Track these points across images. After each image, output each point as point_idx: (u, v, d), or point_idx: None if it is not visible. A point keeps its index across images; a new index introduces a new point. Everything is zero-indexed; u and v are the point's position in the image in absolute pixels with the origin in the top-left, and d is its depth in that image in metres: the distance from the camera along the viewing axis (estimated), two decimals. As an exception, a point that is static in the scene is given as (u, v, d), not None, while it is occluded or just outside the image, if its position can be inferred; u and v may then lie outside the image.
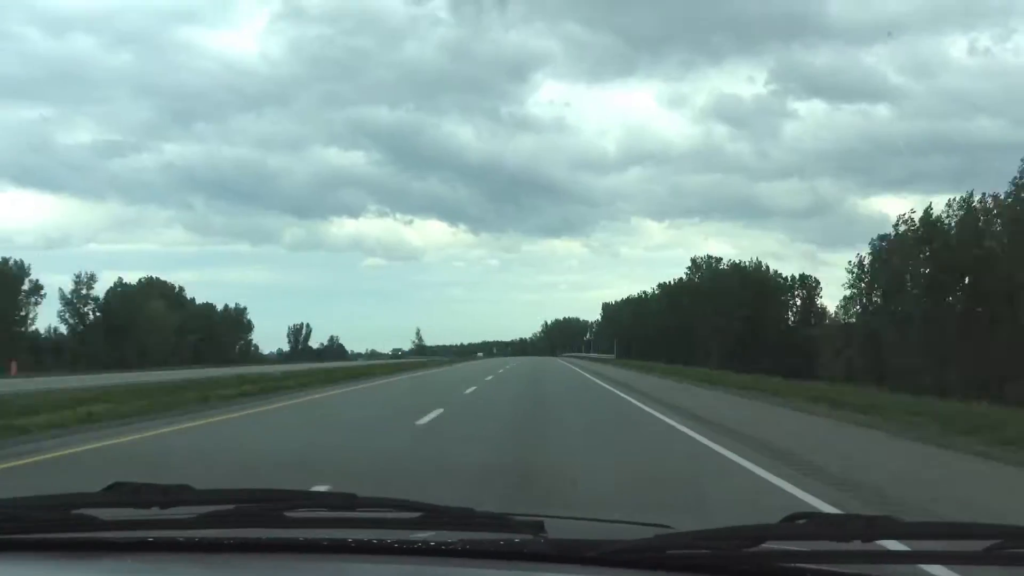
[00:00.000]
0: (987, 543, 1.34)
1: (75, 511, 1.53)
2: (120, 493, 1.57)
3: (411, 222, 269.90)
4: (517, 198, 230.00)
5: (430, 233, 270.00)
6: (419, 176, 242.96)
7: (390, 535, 1.53)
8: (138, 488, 1.56)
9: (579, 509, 6.04)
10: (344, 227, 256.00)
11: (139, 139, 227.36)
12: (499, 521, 1.57)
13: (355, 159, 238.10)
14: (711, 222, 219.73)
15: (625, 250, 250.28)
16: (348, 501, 1.61)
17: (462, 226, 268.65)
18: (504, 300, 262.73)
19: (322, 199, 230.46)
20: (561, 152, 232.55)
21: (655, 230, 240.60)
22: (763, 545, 1.42)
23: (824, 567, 1.39)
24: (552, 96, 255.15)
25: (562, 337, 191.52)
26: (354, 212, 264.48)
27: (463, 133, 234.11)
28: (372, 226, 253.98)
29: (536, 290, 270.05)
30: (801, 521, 1.47)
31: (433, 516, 1.59)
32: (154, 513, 1.55)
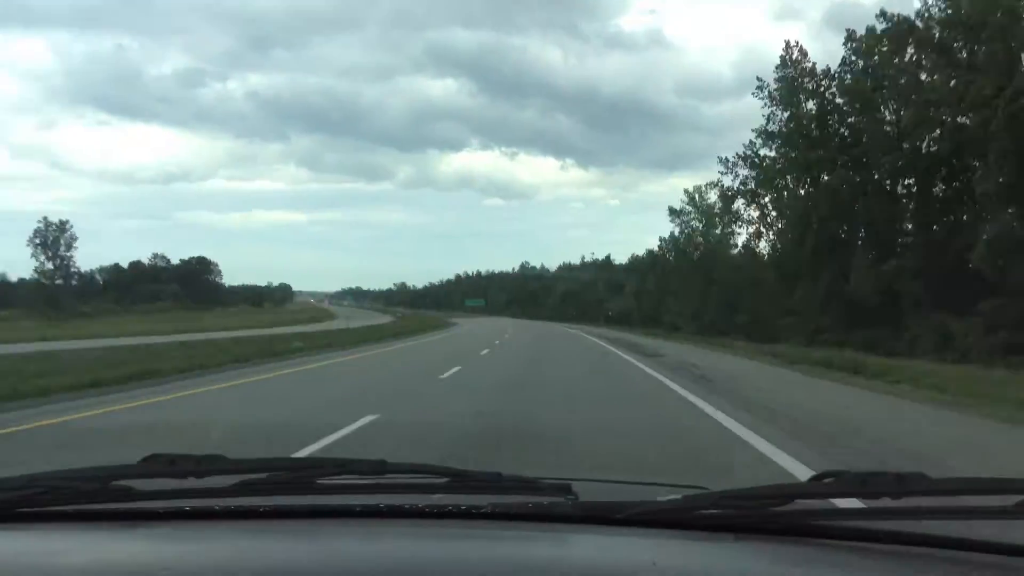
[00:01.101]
0: (1019, 498, 1.34)
1: (113, 482, 1.56)
2: (156, 464, 1.60)
3: (515, 155, 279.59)
4: (622, 127, 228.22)
5: (538, 168, 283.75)
6: (516, 106, 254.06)
7: (421, 500, 1.56)
8: (173, 459, 1.59)
9: None
10: (452, 163, 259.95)
11: (224, 68, 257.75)
12: (528, 484, 1.59)
13: (447, 88, 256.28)
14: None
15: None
16: (378, 467, 1.63)
17: (569, 160, 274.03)
18: (633, 243, 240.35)
19: (421, 132, 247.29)
20: (665, 74, 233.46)
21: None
22: (792, 504, 1.42)
23: (853, 524, 1.39)
24: (642, 6, 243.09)
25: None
26: (456, 145, 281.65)
27: (551, 56, 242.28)
28: (478, 160, 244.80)
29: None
30: (829, 479, 1.46)
31: (461, 480, 1.61)
32: (190, 483, 1.57)
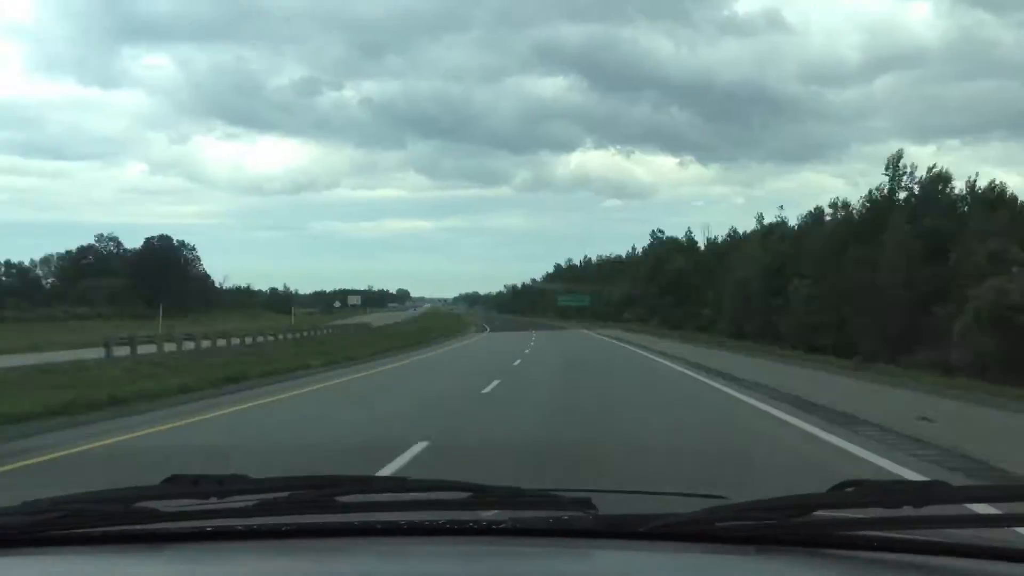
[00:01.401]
0: None
1: (137, 504, 1.55)
2: (179, 485, 1.59)
3: (631, 153, 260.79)
4: (741, 118, 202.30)
5: (655, 167, 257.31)
6: (628, 101, 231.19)
7: (441, 516, 1.55)
8: (196, 480, 1.59)
9: None
10: (567, 165, 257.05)
11: (339, 77, 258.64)
12: (548, 499, 1.59)
13: (556, 86, 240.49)
14: (990, 143, 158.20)
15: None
16: (398, 484, 1.66)
17: (687, 156, 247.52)
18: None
19: (533, 133, 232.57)
20: (786, 59, 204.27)
21: (923, 157, 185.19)
22: (813, 514, 1.42)
23: (875, 534, 1.39)
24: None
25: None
26: (569, 146, 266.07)
27: (661, 46, 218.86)
28: (592, 160, 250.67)
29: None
30: (850, 489, 1.46)
31: (482, 496, 1.60)
32: (212, 503, 1.57)
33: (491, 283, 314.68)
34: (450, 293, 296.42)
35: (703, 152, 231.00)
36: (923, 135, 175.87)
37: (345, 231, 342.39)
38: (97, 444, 10.04)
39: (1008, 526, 1.42)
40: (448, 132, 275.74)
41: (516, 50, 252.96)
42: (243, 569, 1.45)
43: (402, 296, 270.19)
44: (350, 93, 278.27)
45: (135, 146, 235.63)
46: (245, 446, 9.95)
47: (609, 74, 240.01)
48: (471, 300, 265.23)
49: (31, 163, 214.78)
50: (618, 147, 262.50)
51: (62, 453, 9.44)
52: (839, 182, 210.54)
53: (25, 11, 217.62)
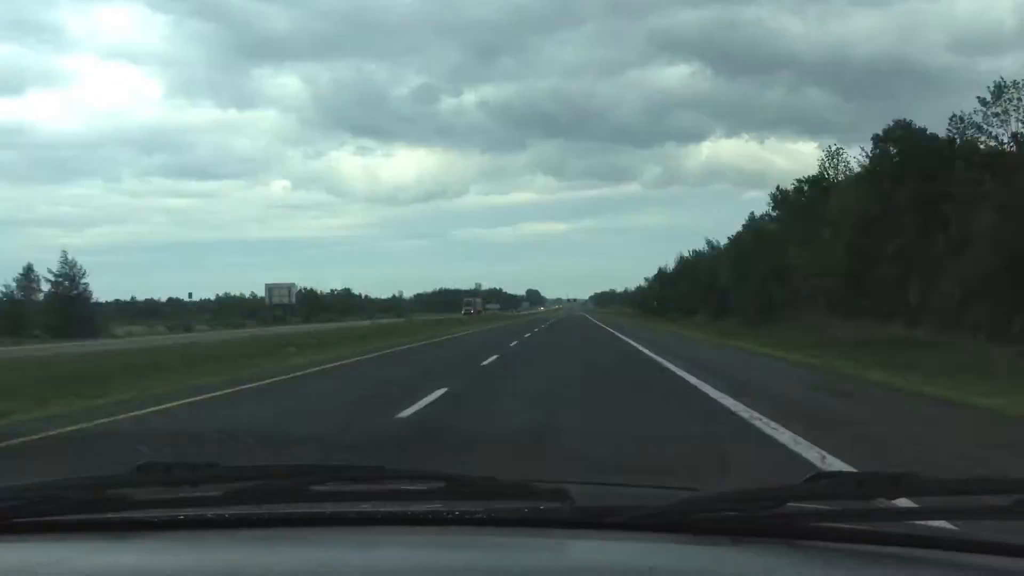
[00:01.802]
0: (1017, 497, 1.34)
1: (106, 492, 1.55)
2: (151, 472, 1.59)
3: (765, 140, 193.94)
4: (887, 93, 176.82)
5: (795, 153, 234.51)
6: (759, 84, 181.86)
7: (416, 506, 1.55)
8: (168, 467, 1.58)
9: None
10: (698, 156, 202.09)
11: (457, 83, 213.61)
12: (524, 489, 1.59)
13: (680, 75, 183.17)
14: None
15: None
16: (373, 473, 1.64)
17: (828, 139, 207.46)
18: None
19: (658, 125, 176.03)
20: (930, 27, 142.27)
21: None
22: (787, 505, 1.43)
23: (848, 526, 1.40)
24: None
25: None
26: (697, 136, 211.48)
27: (788, 24, 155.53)
28: (724, 150, 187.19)
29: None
30: (824, 481, 1.48)
31: (457, 486, 1.60)
32: (184, 491, 1.56)
33: (629, 280, 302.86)
34: (584, 293, 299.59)
35: (846, 133, 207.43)
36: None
37: (482, 236, 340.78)
38: None
39: (978, 518, 1.41)
40: (569, 130, 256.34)
41: (633, 41, 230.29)
42: (214, 558, 1.44)
43: (532, 297, 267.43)
44: (469, 98, 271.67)
45: (276, 163, 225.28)
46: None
47: (735, 58, 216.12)
48: (607, 299, 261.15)
49: (181, 184, 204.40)
50: (751, 134, 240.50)
51: None
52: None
53: (159, 38, 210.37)
